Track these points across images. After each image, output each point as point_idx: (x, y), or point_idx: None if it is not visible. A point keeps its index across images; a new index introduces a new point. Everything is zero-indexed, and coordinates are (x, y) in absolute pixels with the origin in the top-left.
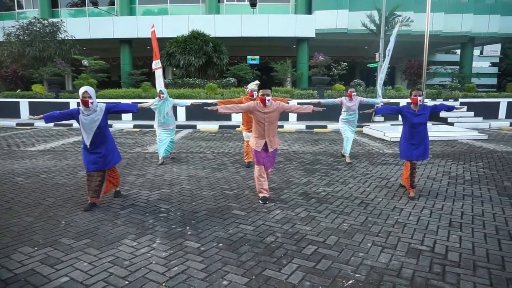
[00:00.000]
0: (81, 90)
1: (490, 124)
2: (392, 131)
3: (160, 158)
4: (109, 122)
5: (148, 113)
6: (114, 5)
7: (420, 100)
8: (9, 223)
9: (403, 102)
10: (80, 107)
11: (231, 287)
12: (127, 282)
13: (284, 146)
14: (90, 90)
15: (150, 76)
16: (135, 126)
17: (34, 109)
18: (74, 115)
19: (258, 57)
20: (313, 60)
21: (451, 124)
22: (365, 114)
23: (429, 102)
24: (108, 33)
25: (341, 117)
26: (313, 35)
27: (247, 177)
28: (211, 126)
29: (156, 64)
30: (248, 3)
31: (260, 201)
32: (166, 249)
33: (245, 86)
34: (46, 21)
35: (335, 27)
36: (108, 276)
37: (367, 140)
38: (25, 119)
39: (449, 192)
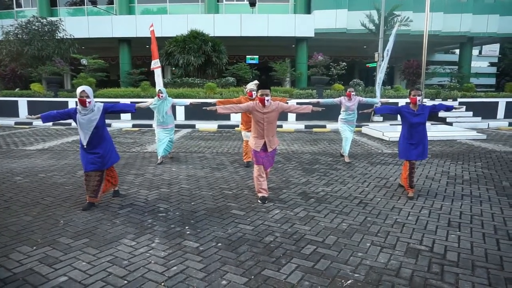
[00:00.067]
0: (79, 89)
1: (488, 124)
2: (391, 131)
3: (159, 157)
4: (108, 121)
5: (147, 113)
6: (113, 4)
7: (419, 100)
8: (8, 222)
9: (402, 102)
10: (77, 107)
11: (230, 287)
12: (126, 282)
13: (283, 146)
14: (88, 89)
15: (149, 76)
16: (134, 126)
17: (33, 108)
18: (72, 114)
19: (257, 56)
20: (312, 60)
21: (450, 124)
22: (364, 114)
23: (428, 102)
24: (107, 32)
25: (340, 117)
26: (312, 35)
27: (246, 177)
28: (210, 125)
29: (155, 64)
30: (247, 2)
31: (259, 201)
32: (165, 248)
33: (244, 85)
34: (44, 20)
35: (334, 26)
36: (107, 275)
37: (366, 140)
38: (23, 118)
39: (448, 192)
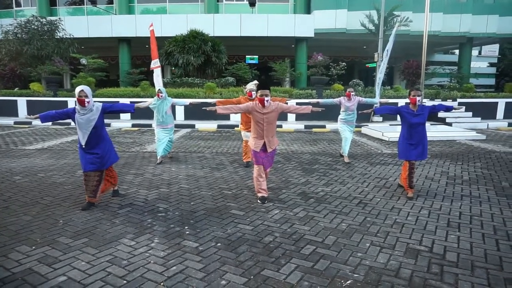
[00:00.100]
0: (78, 89)
1: (488, 124)
2: (391, 131)
3: (158, 157)
4: (108, 121)
5: (146, 112)
6: (112, 4)
7: (418, 100)
8: (7, 222)
9: (401, 102)
10: (76, 106)
11: (230, 287)
12: (125, 282)
13: (282, 146)
14: (87, 89)
15: (149, 75)
16: (133, 125)
17: (32, 108)
18: (70, 114)
19: (256, 56)
20: (311, 60)
21: (450, 124)
22: (364, 114)
23: (427, 102)
24: (107, 32)
25: (339, 117)
26: (312, 35)
27: (246, 177)
28: (210, 125)
29: (155, 63)
30: (247, 2)
31: (258, 201)
32: (165, 248)
33: (243, 86)
34: (44, 19)
35: (334, 27)
36: (106, 275)
37: (365, 140)
38: (23, 117)
39: (447, 192)
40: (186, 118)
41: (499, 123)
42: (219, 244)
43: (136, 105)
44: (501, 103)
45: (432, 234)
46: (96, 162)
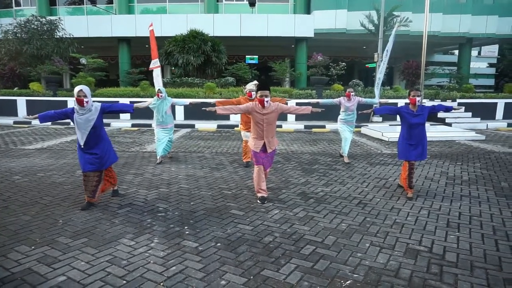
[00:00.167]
0: (76, 89)
1: (487, 124)
2: (390, 131)
3: (158, 157)
4: (107, 121)
5: (146, 112)
6: (112, 4)
7: (418, 101)
8: (6, 222)
9: (401, 102)
10: (75, 106)
11: (229, 287)
12: (124, 282)
13: (282, 146)
14: (86, 89)
15: (149, 75)
16: (133, 125)
17: (32, 107)
18: (69, 114)
19: (256, 56)
20: (311, 60)
21: (449, 124)
22: (364, 115)
23: (427, 103)
24: (107, 32)
25: (339, 117)
26: (312, 35)
27: (246, 177)
28: (210, 125)
29: (155, 63)
30: (247, 2)
31: (258, 201)
32: (164, 248)
33: (243, 86)
34: (44, 19)
35: (333, 27)
36: (105, 275)
37: (365, 140)
38: (22, 117)
39: (447, 193)
40: (186, 118)
41: (499, 123)
42: (219, 244)
43: (135, 105)
44: (501, 103)
45: (431, 234)
46: (95, 162)
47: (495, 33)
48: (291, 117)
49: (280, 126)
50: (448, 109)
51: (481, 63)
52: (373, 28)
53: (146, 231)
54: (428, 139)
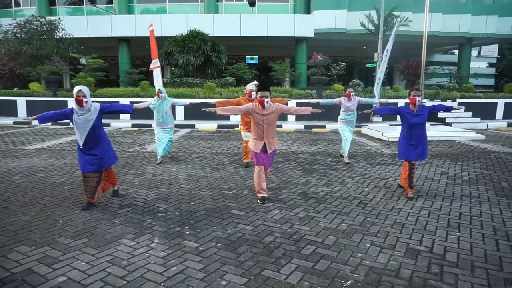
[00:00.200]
0: (76, 89)
1: (487, 124)
2: (391, 131)
3: (158, 157)
4: (108, 121)
5: (146, 112)
6: (112, 4)
7: (418, 101)
8: (6, 222)
9: (401, 102)
10: (74, 107)
11: (230, 287)
12: (125, 282)
13: (282, 146)
14: (85, 89)
15: (149, 75)
16: (133, 125)
17: (32, 108)
18: (68, 114)
19: (256, 56)
20: (311, 60)
21: (449, 124)
22: (364, 115)
23: (427, 103)
24: (106, 32)
25: (339, 117)
26: (312, 35)
27: (246, 177)
28: (210, 125)
29: (155, 63)
30: (247, 2)
31: (258, 201)
32: (165, 249)
33: (243, 86)
34: (43, 19)
35: (333, 27)
36: (106, 275)
37: (365, 140)
38: (22, 117)
39: (447, 193)
40: (186, 118)
41: (499, 123)
42: (219, 244)
43: (134, 105)
44: (501, 103)
45: (432, 235)
46: (94, 163)
47: (495, 33)
48: (291, 117)
49: (280, 126)
50: (448, 109)
51: (481, 63)
52: (373, 28)
53: (147, 231)
54: (428, 139)
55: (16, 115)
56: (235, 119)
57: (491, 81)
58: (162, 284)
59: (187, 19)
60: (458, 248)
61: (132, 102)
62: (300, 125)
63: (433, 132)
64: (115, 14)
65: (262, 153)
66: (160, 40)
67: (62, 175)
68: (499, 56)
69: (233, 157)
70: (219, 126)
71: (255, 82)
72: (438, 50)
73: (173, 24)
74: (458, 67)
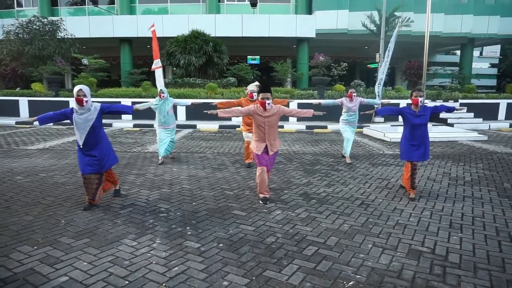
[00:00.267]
0: (76, 88)
1: (489, 125)
2: (392, 131)
3: (160, 157)
4: (109, 121)
5: (148, 113)
6: (114, 4)
7: (421, 101)
8: (8, 222)
9: (403, 103)
10: (74, 106)
11: None
12: (127, 282)
13: (284, 147)
14: (85, 88)
15: (150, 75)
16: (135, 126)
17: (34, 108)
18: (68, 114)
19: (258, 57)
20: (313, 60)
21: (451, 125)
22: (366, 115)
23: (429, 103)
24: (108, 32)
25: (341, 117)
26: (313, 35)
27: (248, 177)
28: (211, 126)
29: (156, 64)
30: (249, 3)
31: (260, 202)
32: (166, 249)
33: (245, 86)
34: (45, 20)
35: (335, 27)
36: (108, 276)
37: (367, 141)
38: (24, 117)
39: (449, 193)
40: (187, 118)
41: (501, 124)
42: (221, 244)
43: (135, 107)
44: (503, 104)
45: (434, 235)
46: (94, 164)
47: (497, 33)
48: (292, 118)
49: (282, 127)
50: (450, 110)
51: (483, 63)
52: (374, 28)
53: (148, 231)
54: (430, 139)
55: (18, 115)
56: (237, 120)
57: (493, 82)
58: (164, 284)
59: (189, 20)
60: (460, 249)
61: (134, 103)
62: (302, 126)
63: (435, 132)
64: (117, 14)
65: (264, 155)
66: (162, 40)
67: (64, 175)
68: (501, 57)
69: (235, 158)
70: (220, 127)
71: (256, 83)
72: (440, 51)
73: (174, 24)
74: (460, 67)
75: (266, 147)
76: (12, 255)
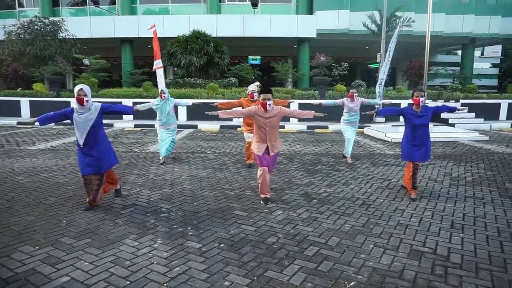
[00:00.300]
0: (77, 88)
1: (491, 125)
2: (393, 132)
3: (161, 158)
4: (110, 121)
5: (149, 113)
6: (115, 4)
7: (422, 101)
8: (10, 222)
9: (404, 103)
10: (74, 106)
11: None
12: (128, 282)
13: (285, 147)
14: (86, 88)
15: (151, 76)
16: (136, 126)
17: (35, 108)
18: (68, 114)
19: (259, 57)
20: (314, 61)
21: (452, 125)
22: (367, 115)
23: (430, 103)
24: (109, 32)
25: (342, 118)
26: (314, 36)
27: (249, 178)
28: (212, 126)
29: (157, 64)
30: (250, 3)
31: (261, 202)
32: (168, 249)
33: (246, 86)
34: (47, 20)
35: (336, 27)
36: (109, 276)
37: (368, 141)
38: (26, 118)
39: (451, 194)
40: (188, 118)
41: (502, 124)
42: (222, 245)
43: (135, 107)
44: (504, 104)
45: (435, 236)
46: (93, 164)
47: (498, 33)
48: (293, 118)
49: (283, 127)
50: (451, 110)
51: (484, 63)
52: (375, 28)
53: (150, 231)
54: (432, 139)
55: (19, 115)
56: (238, 120)
57: (494, 82)
58: (165, 284)
59: (190, 20)
60: (462, 250)
61: (135, 103)
62: (303, 126)
63: (436, 133)
64: (118, 15)
65: (265, 155)
66: (163, 40)
67: (65, 175)
68: (502, 57)
69: (236, 158)
70: (221, 127)
71: (257, 83)
72: (441, 51)
73: (175, 24)
74: (461, 67)
75: (267, 148)
76: (13, 255)
